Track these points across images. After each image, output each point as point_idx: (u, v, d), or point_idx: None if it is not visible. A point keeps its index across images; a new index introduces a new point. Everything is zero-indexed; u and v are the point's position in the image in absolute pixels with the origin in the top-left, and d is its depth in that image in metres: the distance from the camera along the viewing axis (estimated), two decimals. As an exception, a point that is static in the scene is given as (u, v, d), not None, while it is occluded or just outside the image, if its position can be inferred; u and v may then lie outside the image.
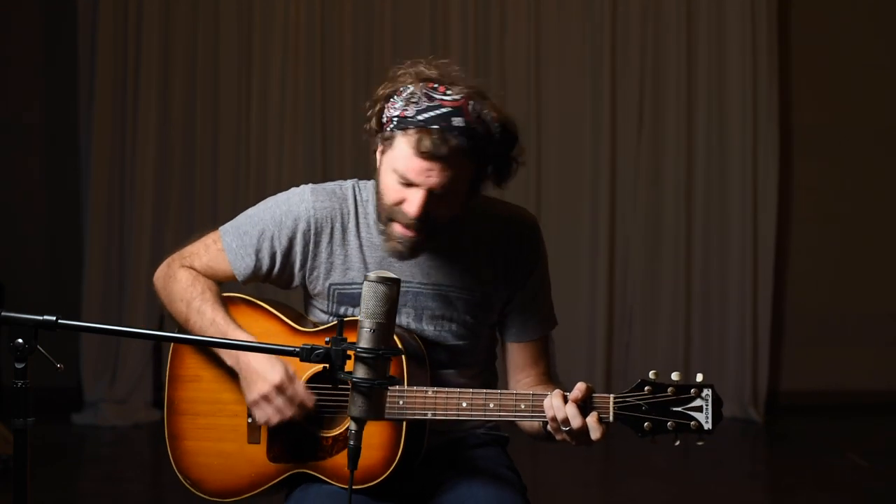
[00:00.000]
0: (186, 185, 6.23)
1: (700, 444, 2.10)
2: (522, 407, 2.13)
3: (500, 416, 2.14)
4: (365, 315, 1.86)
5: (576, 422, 2.08)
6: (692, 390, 2.09)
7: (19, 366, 1.82)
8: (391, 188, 2.17)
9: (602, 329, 6.34)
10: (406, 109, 2.13)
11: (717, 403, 2.09)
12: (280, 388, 2.18)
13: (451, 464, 2.32)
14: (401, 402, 2.14)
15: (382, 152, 2.21)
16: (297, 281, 2.35)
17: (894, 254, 6.66)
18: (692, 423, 2.09)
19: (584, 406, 2.09)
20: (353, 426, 1.88)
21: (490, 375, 2.44)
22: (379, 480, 2.18)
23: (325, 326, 2.30)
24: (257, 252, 2.31)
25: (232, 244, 2.33)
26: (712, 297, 6.42)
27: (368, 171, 2.33)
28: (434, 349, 2.30)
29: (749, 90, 6.33)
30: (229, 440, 2.30)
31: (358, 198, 2.33)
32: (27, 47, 6.41)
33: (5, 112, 6.40)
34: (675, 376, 2.10)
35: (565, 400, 2.09)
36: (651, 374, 2.11)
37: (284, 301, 2.43)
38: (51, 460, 5.19)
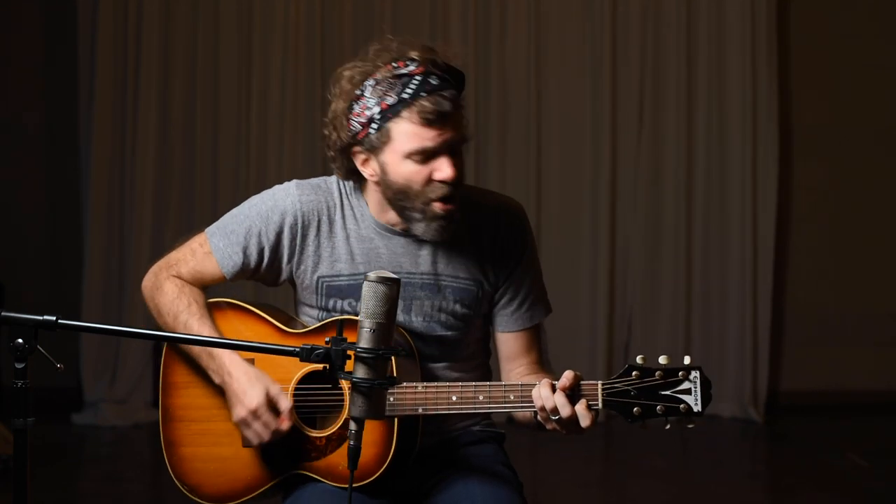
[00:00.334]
0: (186, 185, 6.23)
1: (690, 426, 2.09)
2: (512, 398, 2.14)
3: (490, 407, 2.15)
4: (365, 315, 1.86)
5: (565, 411, 2.07)
6: (680, 373, 2.09)
7: (19, 366, 1.82)
8: (413, 171, 2.18)
9: (602, 329, 6.34)
10: (384, 100, 2.16)
11: (705, 385, 2.09)
12: (255, 414, 2.20)
13: (446, 461, 2.32)
14: (391, 399, 2.14)
15: (378, 153, 2.20)
16: (284, 275, 2.35)
17: (894, 254, 6.66)
18: (681, 405, 2.08)
19: (573, 394, 2.09)
20: (353, 426, 1.88)
21: (484, 372, 2.43)
22: (373, 478, 2.19)
23: (314, 327, 2.30)
24: (245, 249, 2.31)
25: (219, 244, 2.33)
26: (712, 297, 6.42)
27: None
28: (424, 342, 2.30)
29: (749, 90, 6.33)
30: (224, 444, 2.30)
31: (343, 191, 2.33)
32: (27, 47, 6.41)
33: (5, 112, 6.40)
34: (662, 360, 2.10)
35: (553, 389, 2.09)
36: (639, 359, 2.11)
37: (273, 303, 2.43)
38: (51, 460, 5.20)
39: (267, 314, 2.33)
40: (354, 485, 2.16)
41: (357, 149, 2.23)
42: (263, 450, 2.27)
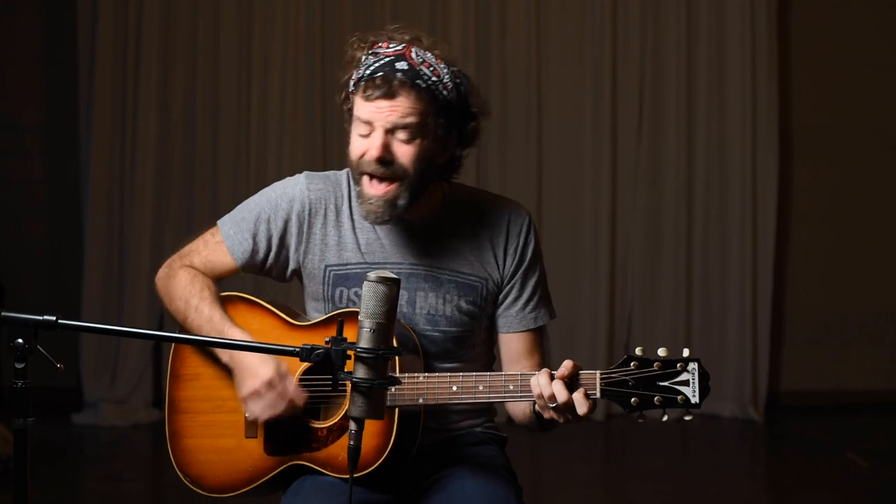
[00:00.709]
0: (186, 185, 6.23)
1: (688, 418, 2.10)
2: (511, 387, 2.15)
3: (489, 397, 2.17)
4: (365, 315, 1.86)
5: (561, 397, 2.08)
6: (678, 364, 2.10)
7: (19, 366, 1.82)
8: (354, 144, 2.25)
9: (602, 328, 6.34)
10: (356, 73, 2.25)
11: (703, 377, 2.09)
12: (270, 384, 2.20)
13: (447, 460, 2.32)
14: (392, 389, 2.14)
15: (349, 124, 2.29)
16: (292, 265, 2.37)
17: (894, 254, 6.66)
18: (679, 396, 2.09)
19: (571, 383, 2.10)
20: (353, 426, 1.88)
21: None
22: (372, 468, 2.19)
23: (321, 319, 2.31)
24: (254, 236, 2.34)
25: (230, 232, 2.36)
26: (712, 296, 6.42)
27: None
28: (428, 339, 2.31)
29: (749, 90, 6.33)
30: (228, 436, 2.31)
31: (351, 183, 2.37)
32: (27, 47, 6.42)
33: (5, 111, 6.40)
34: (661, 352, 2.11)
35: (552, 378, 2.10)
36: (637, 350, 2.12)
37: (283, 301, 2.44)
38: (51, 460, 5.20)
39: (276, 308, 2.35)
40: (354, 476, 2.17)
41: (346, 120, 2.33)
42: (265, 440, 2.27)
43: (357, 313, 1.90)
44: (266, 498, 2.38)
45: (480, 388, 2.16)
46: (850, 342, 6.63)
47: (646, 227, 6.43)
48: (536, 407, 2.16)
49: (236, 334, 2.24)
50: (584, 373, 2.11)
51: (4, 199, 6.41)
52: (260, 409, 2.22)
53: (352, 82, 2.26)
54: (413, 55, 2.21)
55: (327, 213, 2.34)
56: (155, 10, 6.15)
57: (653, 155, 6.42)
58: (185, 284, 2.34)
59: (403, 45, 2.23)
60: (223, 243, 2.36)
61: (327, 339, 1.88)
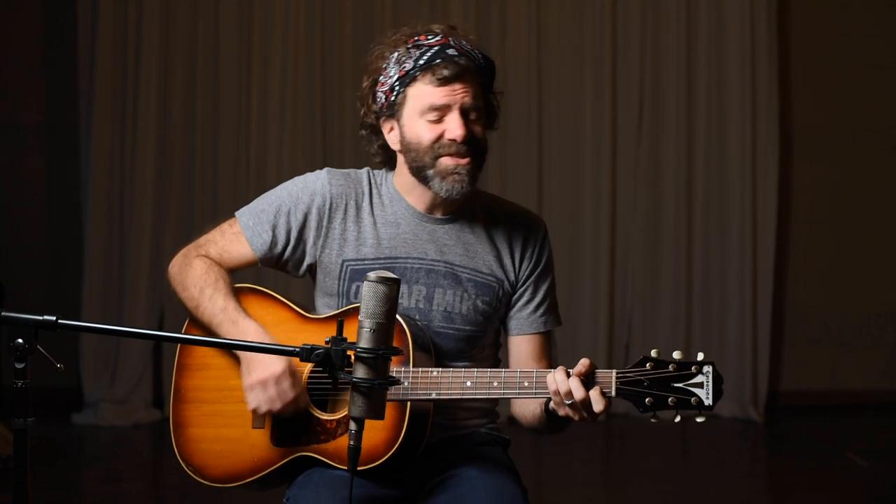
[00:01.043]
0: (186, 185, 6.23)
1: (700, 420, 2.12)
2: (526, 384, 2.16)
3: (504, 393, 2.18)
4: (365, 315, 1.86)
5: (578, 394, 2.10)
6: (693, 367, 2.12)
7: (19, 366, 1.82)
8: (425, 129, 2.27)
9: (602, 329, 6.34)
10: (403, 67, 2.27)
11: (717, 380, 2.12)
12: (278, 379, 2.21)
13: (453, 459, 2.33)
14: (406, 383, 2.16)
15: (399, 117, 2.30)
16: (308, 259, 2.37)
17: (894, 254, 6.66)
18: (693, 398, 2.11)
19: (587, 381, 2.12)
20: (353, 426, 1.88)
21: None
22: (381, 461, 2.19)
23: (336, 313, 2.32)
24: (274, 228, 2.35)
25: (249, 223, 2.37)
26: (712, 297, 6.42)
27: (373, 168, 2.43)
28: (442, 337, 2.33)
29: (749, 90, 6.34)
30: (234, 426, 2.31)
31: (372, 181, 2.40)
32: (27, 47, 6.42)
33: (5, 112, 6.40)
34: (676, 355, 2.13)
35: (568, 375, 2.12)
36: (653, 352, 2.14)
37: (285, 295, 2.43)
38: (51, 460, 5.20)
39: (288, 301, 2.37)
40: (362, 467, 2.17)
41: (383, 119, 2.34)
42: (272, 431, 2.27)
43: None
44: (270, 488, 2.36)
45: (495, 383, 2.17)
46: (850, 342, 6.63)
47: (646, 227, 6.43)
48: (550, 405, 2.18)
49: (250, 326, 2.25)
50: (599, 372, 2.13)
51: (4, 199, 6.41)
52: (261, 400, 2.23)
53: (397, 80, 2.28)
54: (453, 42, 2.28)
55: (348, 209, 2.35)
56: (155, 10, 6.15)
57: (653, 155, 6.42)
58: (200, 273, 2.34)
59: (441, 35, 2.29)
60: (242, 234, 2.37)
61: (327, 339, 1.88)
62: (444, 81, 2.24)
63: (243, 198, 6.25)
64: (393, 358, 1.89)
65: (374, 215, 2.36)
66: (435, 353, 2.30)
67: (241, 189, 6.11)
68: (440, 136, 2.26)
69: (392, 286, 1.87)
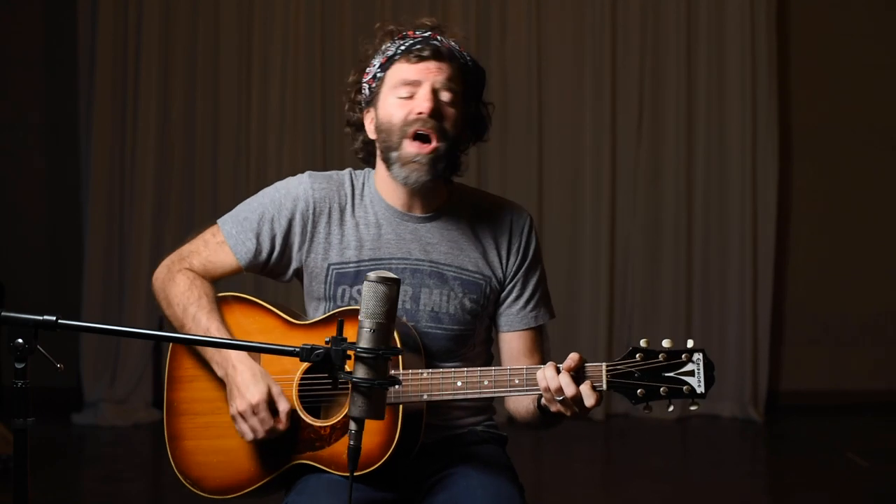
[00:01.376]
0: (186, 185, 6.23)
1: (693, 408, 2.10)
2: (516, 381, 2.15)
3: (494, 391, 2.17)
4: (365, 315, 1.86)
5: (569, 390, 2.08)
6: (683, 355, 2.11)
7: (19, 366, 1.82)
8: (396, 106, 2.27)
9: (603, 329, 6.34)
10: (385, 53, 2.30)
11: (708, 367, 2.11)
12: (255, 410, 2.21)
13: (450, 458, 2.32)
14: (396, 386, 2.15)
15: (375, 102, 2.30)
16: (294, 264, 2.36)
17: (893, 254, 6.66)
18: (685, 387, 2.10)
19: (577, 375, 2.10)
20: (353, 426, 1.88)
21: None
22: (377, 466, 2.19)
23: (321, 318, 2.31)
24: (258, 235, 2.34)
25: (232, 231, 2.35)
26: (712, 297, 6.42)
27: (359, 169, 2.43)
28: (431, 338, 2.31)
29: (748, 90, 6.33)
30: (228, 437, 2.30)
31: (355, 182, 2.38)
32: (28, 47, 6.42)
33: (6, 112, 6.40)
34: (665, 343, 2.12)
35: (558, 371, 2.10)
36: (642, 342, 2.12)
37: (283, 301, 2.43)
38: (51, 460, 5.19)
39: (274, 307, 2.35)
40: (358, 473, 2.17)
41: (365, 110, 2.34)
42: (267, 441, 2.27)
43: (357, 312, 1.90)
44: (267, 498, 2.37)
45: (485, 382, 2.16)
46: (850, 342, 6.63)
47: (646, 227, 6.43)
48: (542, 401, 2.16)
49: (231, 354, 2.25)
50: (589, 365, 2.12)
51: (4, 199, 6.41)
52: (244, 431, 2.24)
53: (378, 66, 2.29)
54: (440, 39, 2.31)
55: (331, 213, 2.34)
56: (155, 10, 6.15)
57: (653, 155, 6.42)
58: (182, 290, 2.32)
59: (429, 32, 2.31)
60: (225, 243, 2.35)
61: (327, 339, 1.88)
62: (419, 59, 2.26)
63: (243, 198, 6.19)
64: None
65: (356, 217, 2.35)
66: (425, 353, 2.29)
67: (241, 189, 6.11)
68: (409, 113, 2.25)
69: (392, 286, 1.87)
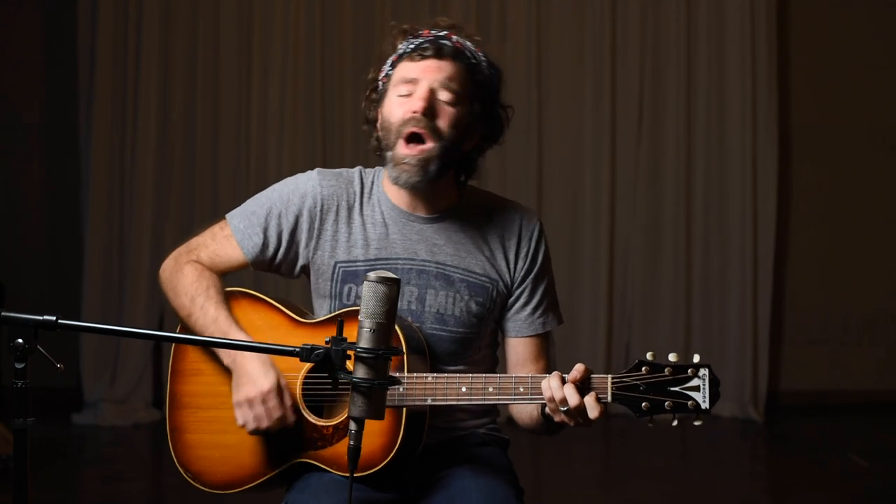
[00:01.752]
0: (186, 185, 6.23)
1: (697, 423, 2.09)
2: (521, 390, 2.14)
3: (499, 399, 2.16)
4: (365, 315, 1.86)
5: (573, 401, 2.07)
6: (689, 370, 2.09)
7: (19, 366, 1.82)
8: (396, 104, 2.26)
9: (602, 329, 6.34)
10: (397, 52, 2.30)
11: (714, 383, 2.09)
12: (265, 397, 2.20)
13: (450, 460, 2.32)
14: (401, 389, 2.15)
15: (384, 100, 2.30)
16: (301, 261, 2.36)
17: (893, 254, 6.66)
18: (689, 402, 2.09)
19: (583, 386, 2.09)
20: (353, 426, 1.88)
21: None
22: (379, 467, 2.18)
23: (327, 317, 2.31)
24: (265, 230, 2.33)
25: (239, 225, 2.35)
26: (712, 297, 6.42)
27: (369, 167, 2.41)
28: (436, 339, 2.31)
29: (748, 91, 6.34)
30: (231, 432, 2.29)
31: (364, 180, 2.38)
32: (27, 47, 6.42)
33: (6, 112, 6.41)
34: (672, 357, 2.11)
35: (563, 381, 2.10)
36: (648, 355, 2.11)
37: (284, 297, 2.42)
38: (51, 460, 5.19)
39: (281, 305, 2.35)
40: (360, 474, 2.17)
41: (378, 108, 2.33)
42: (269, 438, 2.26)
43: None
44: (267, 494, 2.36)
45: (490, 389, 2.15)
46: (850, 342, 6.63)
47: (646, 227, 6.43)
48: (546, 410, 2.15)
49: (240, 337, 2.23)
50: (595, 377, 2.11)
51: (4, 199, 6.41)
52: (248, 418, 2.22)
53: (390, 64, 2.30)
54: (454, 39, 2.29)
55: (339, 210, 2.33)
56: (155, 10, 6.15)
57: (653, 155, 6.43)
58: (191, 281, 2.32)
59: (445, 31, 2.30)
60: (232, 237, 2.35)
61: (327, 340, 1.87)
62: (422, 58, 2.26)
63: (243, 198, 6.16)
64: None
65: (364, 215, 2.34)
66: (430, 355, 2.28)
67: (241, 189, 6.11)
68: (405, 113, 2.24)
69: (392, 286, 1.87)
